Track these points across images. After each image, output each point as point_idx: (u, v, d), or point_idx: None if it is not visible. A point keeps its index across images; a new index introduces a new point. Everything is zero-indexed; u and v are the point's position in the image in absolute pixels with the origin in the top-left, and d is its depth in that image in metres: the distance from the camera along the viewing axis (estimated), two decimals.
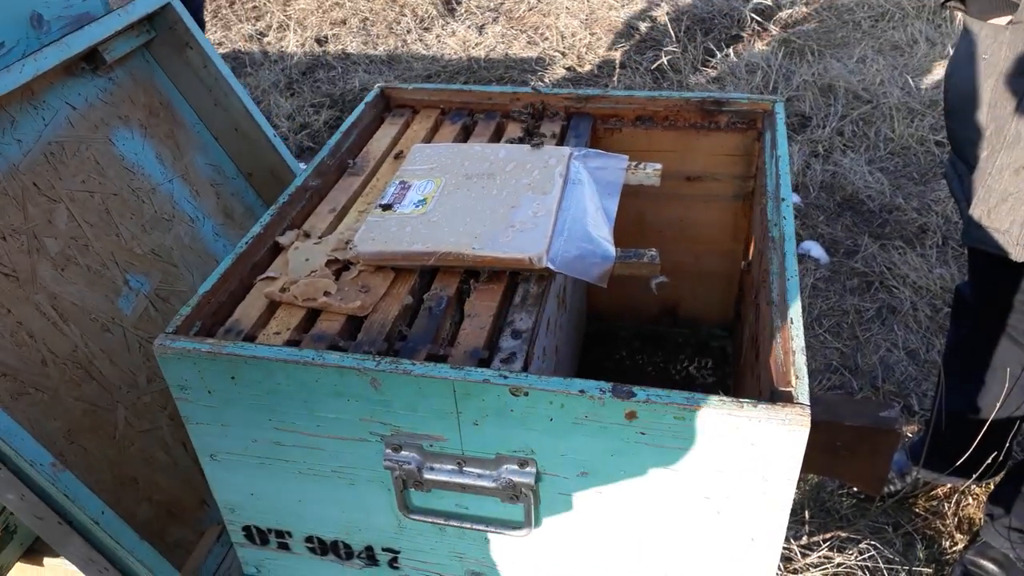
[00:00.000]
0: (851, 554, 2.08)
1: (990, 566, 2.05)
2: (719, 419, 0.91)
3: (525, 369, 1.06)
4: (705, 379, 1.73)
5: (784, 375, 0.96)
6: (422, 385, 1.00)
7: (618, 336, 1.83)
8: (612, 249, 1.18)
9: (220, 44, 5.30)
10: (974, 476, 2.09)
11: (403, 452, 1.07)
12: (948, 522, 2.24)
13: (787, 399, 0.92)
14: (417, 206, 1.28)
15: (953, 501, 2.27)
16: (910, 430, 2.51)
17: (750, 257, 1.47)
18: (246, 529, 1.26)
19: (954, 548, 2.17)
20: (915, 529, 2.22)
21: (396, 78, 4.81)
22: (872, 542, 2.11)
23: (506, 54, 5.06)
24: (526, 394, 0.96)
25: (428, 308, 1.15)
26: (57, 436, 1.34)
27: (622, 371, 1.77)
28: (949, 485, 2.29)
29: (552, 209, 1.24)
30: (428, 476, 1.08)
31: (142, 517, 1.43)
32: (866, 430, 1.50)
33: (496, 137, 1.57)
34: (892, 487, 2.28)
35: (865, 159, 3.76)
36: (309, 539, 1.25)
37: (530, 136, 1.53)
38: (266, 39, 5.34)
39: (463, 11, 5.55)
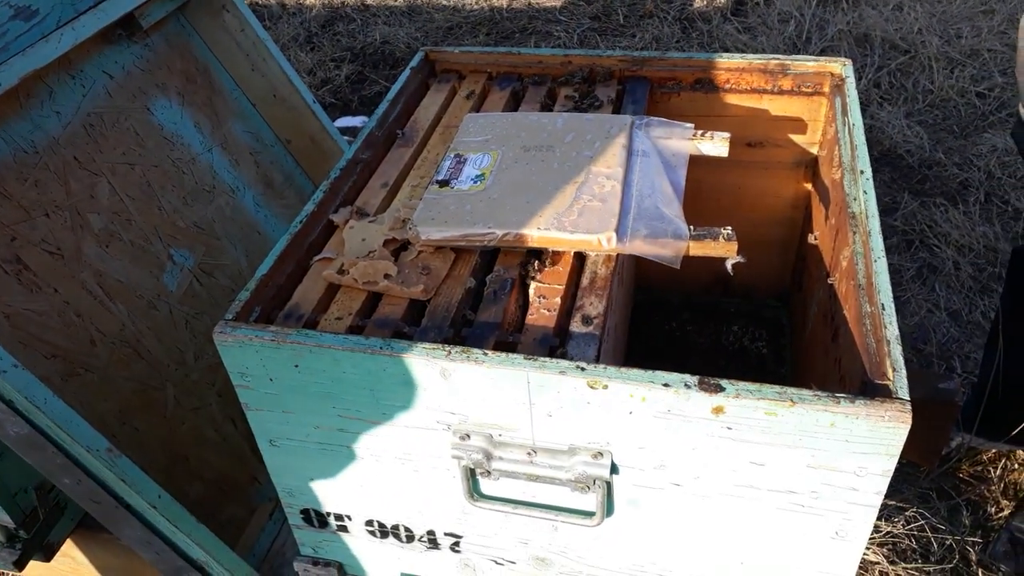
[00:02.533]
0: (898, 522, 2.06)
1: None
2: (814, 415, 0.87)
3: (598, 358, 1.02)
4: (760, 351, 1.68)
5: (879, 366, 0.92)
6: (495, 376, 0.96)
7: (669, 305, 1.79)
8: (685, 227, 1.13)
9: None
10: None
11: (471, 441, 1.04)
12: (994, 488, 2.22)
13: (885, 393, 0.88)
14: (475, 182, 1.23)
15: (999, 466, 2.24)
16: None
17: (816, 231, 1.42)
18: (304, 512, 1.24)
19: (1000, 514, 2.15)
20: (960, 495, 2.19)
21: (417, 30, 4.70)
22: (919, 510, 2.08)
23: (529, 3, 4.92)
24: (605, 387, 0.92)
25: (492, 291, 1.11)
26: (109, 417, 1.32)
27: (673, 342, 1.73)
28: (994, 450, 2.26)
29: (618, 185, 1.18)
30: (496, 465, 1.05)
31: (195, 496, 1.42)
32: (924, 403, 1.46)
33: (548, 103, 1.50)
34: None
35: (903, 112, 3.65)
36: (369, 523, 1.23)
37: (585, 102, 1.46)
38: None
39: None
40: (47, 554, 1.49)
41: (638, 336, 1.73)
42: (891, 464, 0.89)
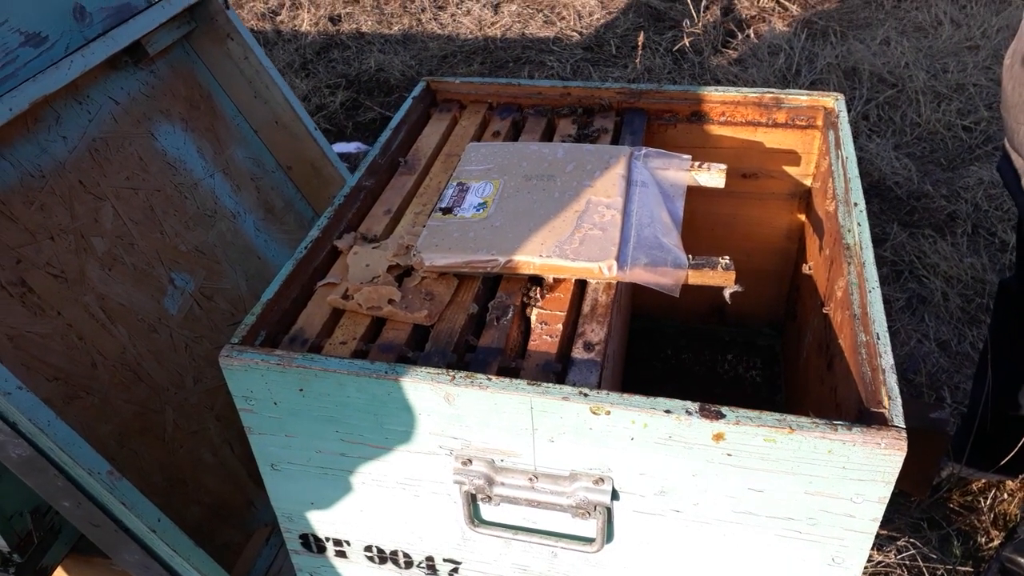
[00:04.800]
0: (890, 552, 2.07)
1: None
2: (812, 442, 0.88)
3: (599, 384, 1.03)
4: (754, 379, 1.70)
5: (874, 394, 0.94)
6: (498, 401, 0.97)
7: (664, 333, 1.81)
8: (684, 256, 1.15)
9: None
10: (1020, 475, 2.07)
11: (473, 466, 1.05)
12: (984, 518, 2.23)
13: (881, 421, 0.90)
14: (478, 210, 1.25)
15: (989, 496, 2.26)
16: None
17: (810, 261, 1.44)
18: (303, 537, 1.25)
19: (990, 544, 2.16)
20: (951, 525, 2.20)
21: (412, 58, 4.75)
22: (910, 539, 2.09)
23: (522, 33, 4.99)
24: (608, 413, 0.94)
25: (495, 317, 1.13)
26: (109, 440, 1.32)
27: (669, 370, 1.75)
28: (984, 480, 2.27)
29: (618, 214, 1.21)
30: (498, 491, 1.06)
31: (192, 520, 1.42)
32: (916, 432, 1.48)
33: (548, 133, 1.53)
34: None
35: (891, 144, 3.71)
36: (368, 548, 1.23)
37: (584, 132, 1.49)
38: (279, 18, 5.27)
39: None
40: None
41: (635, 364, 1.75)
42: (887, 491, 0.91)
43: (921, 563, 2.05)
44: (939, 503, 2.26)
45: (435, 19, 5.16)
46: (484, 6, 5.23)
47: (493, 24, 5.05)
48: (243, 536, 1.50)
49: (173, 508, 1.36)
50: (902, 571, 2.04)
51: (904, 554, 2.06)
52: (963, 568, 2.07)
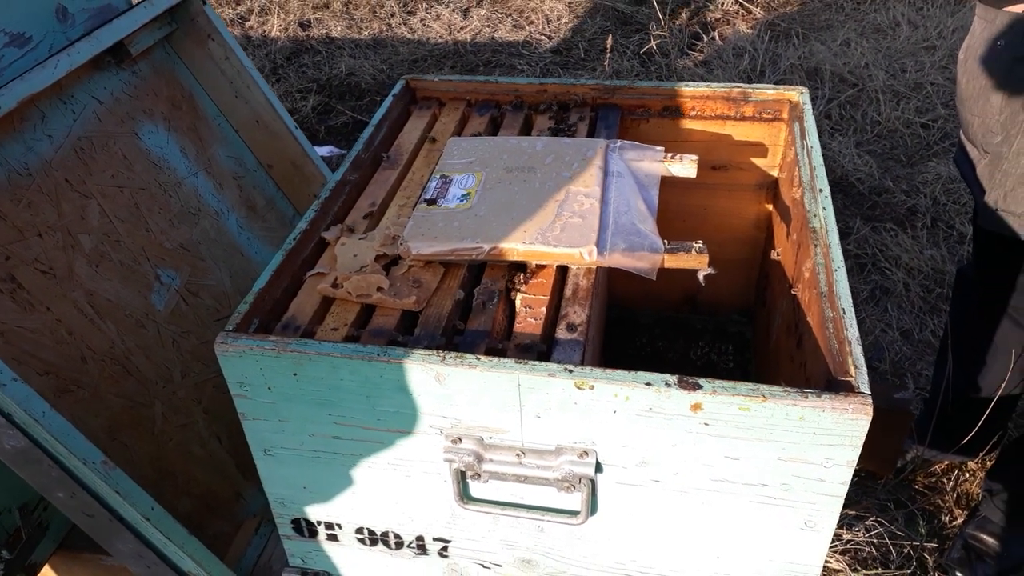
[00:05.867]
0: (858, 531, 2.14)
1: (990, 540, 2.12)
2: (784, 409, 0.94)
3: (582, 362, 1.08)
4: (726, 364, 1.76)
5: (841, 365, 1.00)
6: (487, 379, 1.02)
7: (639, 322, 1.86)
8: (660, 241, 1.20)
9: None
10: (980, 454, 2.15)
11: (463, 444, 1.09)
12: (947, 498, 2.32)
13: (848, 388, 0.96)
14: (461, 200, 1.29)
15: (952, 477, 2.35)
16: None
17: (778, 247, 1.51)
18: (295, 522, 1.28)
19: (953, 523, 2.24)
20: (916, 505, 2.28)
21: (382, 62, 4.78)
22: (878, 519, 2.17)
23: (492, 38, 5.04)
24: (592, 387, 0.99)
25: (481, 302, 1.17)
26: (100, 433, 1.34)
27: (643, 357, 1.80)
28: (947, 462, 2.36)
29: (596, 203, 1.26)
30: (486, 467, 1.10)
31: (183, 511, 1.44)
32: (880, 412, 1.54)
33: (526, 129, 1.58)
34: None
35: (853, 142, 3.81)
36: (359, 530, 1.27)
37: (560, 127, 1.54)
38: (248, 23, 5.27)
39: None
40: (29, 574, 1.49)
41: (611, 352, 1.80)
42: (855, 455, 0.97)
43: (888, 541, 2.12)
44: (904, 484, 2.34)
45: (405, 24, 5.20)
46: (453, 11, 5.28)
47: (463, 29, 5.10)
48: (232, 527, 1.53)
49: (164, 500, 1.38)
50: (871, 549, 2.12)
51: (872, 532, 2.13)
52: (929, 545, 2.15)
